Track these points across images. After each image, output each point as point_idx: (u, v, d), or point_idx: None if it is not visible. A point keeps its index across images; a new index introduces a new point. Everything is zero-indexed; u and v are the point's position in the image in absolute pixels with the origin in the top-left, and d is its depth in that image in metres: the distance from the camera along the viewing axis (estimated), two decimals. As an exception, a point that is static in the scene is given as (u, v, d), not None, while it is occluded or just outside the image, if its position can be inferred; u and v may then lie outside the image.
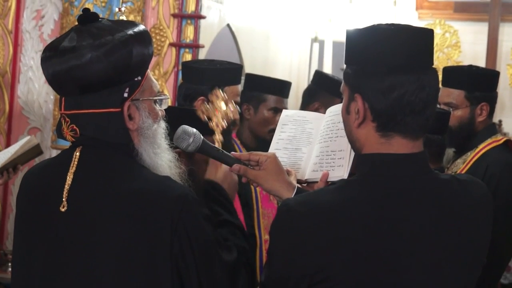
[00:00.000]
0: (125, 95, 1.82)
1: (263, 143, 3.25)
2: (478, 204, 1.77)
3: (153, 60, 4.33)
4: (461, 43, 7.75)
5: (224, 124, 2.20)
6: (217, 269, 1.82)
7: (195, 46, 4.39)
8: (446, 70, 3.43)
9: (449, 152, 3.59)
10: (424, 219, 1.68)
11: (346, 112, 1.78)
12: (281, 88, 3.82)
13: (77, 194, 1.80)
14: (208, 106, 2.20)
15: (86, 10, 1.86)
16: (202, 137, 2.05)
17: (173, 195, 1.77)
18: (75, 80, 1.79)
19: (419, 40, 1.72)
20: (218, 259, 1.83)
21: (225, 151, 2.10)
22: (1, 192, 4.50)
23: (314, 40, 7.23)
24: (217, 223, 1.98)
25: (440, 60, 7.60)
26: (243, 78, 3.85)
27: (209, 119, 2.19)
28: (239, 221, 2.07)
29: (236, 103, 3.08)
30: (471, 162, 3.26)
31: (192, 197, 1.81)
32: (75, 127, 1.82)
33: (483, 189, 1.81)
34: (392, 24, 1.73)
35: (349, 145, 1.92)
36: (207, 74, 3.11)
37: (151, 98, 1.88)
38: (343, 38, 1.80)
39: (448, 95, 3.32)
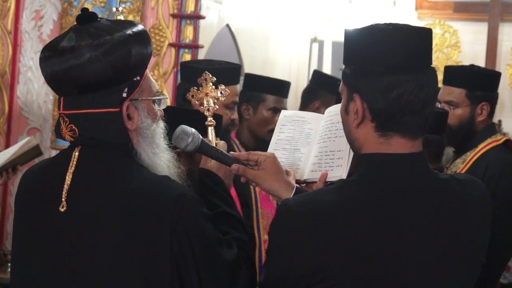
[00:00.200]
0: (124, 95, 1.82)
1: (263, 143, 3.25)
2: (477, 204, 1.77)
3: (153, 60, 4.33)
4: (460, 43, 7.75)
5: (216, 107, 2.18)
6: (218, 268, 1.82)
7: (194, 46, 4.39)
8: (448, 68, 3.44)
9: (449, 152, 3.60)
10: (423, 219, 1.68)
11: (345, 112, 1.78)
12: (280, 88, 3.82)
13: (76, 194, 1.80)
14: (197, 90, 2.19)
15: (84, 10, 1.86)
16: (201, 137, 2.05)
17: (172, 195, 1.77)
18: (73, 80, 1.78)
19: (418, 40, 1.71)
20: (219, 258, 1.82)
21: (224, 151, 2.10)
22: (1, 193, 4.50)
23: (314, 40, 7.23)
24: (215, 215, 1.97)
25: (440, 60, 7.60)
26: (241, 78, 3.85)
27: (200, 103, 2.18)
28: (237, 212, 2.06)
29: (234, 103, 3.09)
30: (471, 162, 3.27)
31: (192, 196, 1.80)
32: (74, 127, 1.82)
33: (482, 189, 1.81)
34: (391, 24, 1.73)
35: (348, 145, 1.92)
36: None
37: (150, 98, 1.88)
38: (342, 38, 1.80)
39: (449, 94, 3.32)
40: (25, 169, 2.01)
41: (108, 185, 1.79)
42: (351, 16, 7.06)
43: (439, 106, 3.34)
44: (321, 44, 7.14)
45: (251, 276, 1.90)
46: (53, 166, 1.91)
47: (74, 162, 1.82)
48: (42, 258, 1.82)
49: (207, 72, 2.21)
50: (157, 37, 4.38)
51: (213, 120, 2.17)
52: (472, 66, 3.42)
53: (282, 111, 2.43)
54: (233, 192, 2.21)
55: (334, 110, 2.19)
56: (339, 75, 1.81)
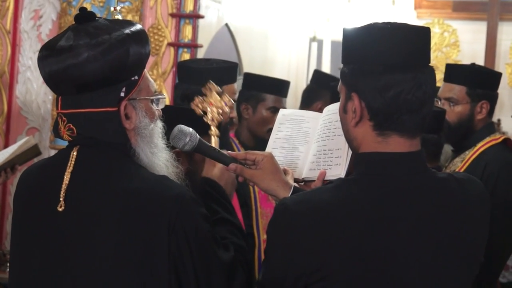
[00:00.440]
0: (122, 94, 1.82)
1: (262, 142, 3.24)
2: (476, 203, 1.77)
3: (151, 60, 4.33)
4: (459, 42, 7.75)
5: (220, 117, 2.19)
6: (215, 268, 1.82)
7: (193, 45, 4.39)
8: (449, 66, 3.45)
9: (448, 151, 3.60)
10: (421, 218, 1.68)
11: (343, 111, 1.78)
12: (279, 87, 3.82)
13: (75, 194, 1.79)
14: (202, 99, 2.19)
15: (83, 9, 1.86)
16: (198, 136, 2.05)
17: (170, 195, 1.77)
18: (71, 79, 1.78)
19: (416, 39, 1.71)
20: (216, 258, 1.83)
21: (221, 151, 2.10)
22: (0, 193, 4.50)
23: (313, 39, 7.23)
24: (214, 222, 1.97)
25: (439, 60, 7.60)
26: (240, 77, 3.85)
27: (204, 113, 2.18)
28: (237, 220, 2.06)
29: (233, 101, 3.09)
30: (470, 161, 3.27)
31: (190, 196, 1.81)
32: (72, 126, 1.82)
33: (480, 188, 1.81)
34: (389, 23, 1.73)
35: (347, 144, 1.92)
36: (205, 74, 3.11)
37: (148, 97, 1.88)
38: (341, 38, 1.80)
39: (450, 90, 3.33)
40: (24, 169, 2.01)
41: (106, 184, 1.79)
42: (350, 16, 7.06)
43: (439, 103, 3.35)
44: (320, 43, 7.13)
45: (247, 280, 1.90)
46: (51, 165, 1.91)
47: (72, 162, 1.82)
48: (40, 258, 1.82)
49: (211, 81, 2.22)
50: (156, 37, 4.37)
51: (216, 130, 2.18)
52: (473, 64, 3.43)
53: (281, 110, 2.43)
54: (235, 201, 2.22)
55: (333, 109, 2.19)
56: (338, 75, 1.81)
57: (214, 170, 2.11)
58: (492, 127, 3.40)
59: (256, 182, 2.06)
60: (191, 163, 2.20)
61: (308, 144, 2.26)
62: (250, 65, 5.90)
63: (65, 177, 1.81)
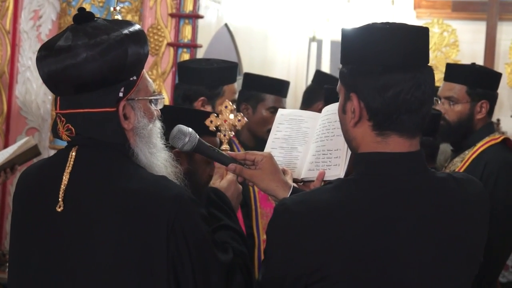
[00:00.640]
0: (120, 94, 1.82)
1: (262, 142, 3.24)
2: (475, 202, 1.77)
3: (151, 60, 4.32)
4: (459, 42, 7.75)
5: (232, 134, 2.22)
6: (213, 268, 1.82)
7: (193, 46, 4.39)
8: (450, 65, 3.46)
9: (447, 150, 3.60)
10: (421, 218, 1.68)
11: (342, 111, 1.78)
12: (279, 87, 3.83)
13: (73, 194, 1.79)
14: (216, 116, 2.22)
15: (81, 10, 1.86)
16: (197, 136, 2.05)
17: (169, 195, 1.77)
18: (70, 80, 1.78)
19: (415, 39, 1.72)
20: (214, 258, 1.83)
21: (221, 151, 2.10)
22: (-1, 193, 4.51)
23: (312, 39, 7.22)
24: (217, 228, 1.98)
25: (438, 59, 7.60)
26: (240, 77, 3.85)
27: (218, 130, 2.21)
28: (240, 227, 2.07)
29: (233, 101, 3.10)
30: (469, 161, 3.27)
31: (188, 196, 1.81)
32: (70, 126, 1.82)
33: (479, 187, 1.81)
34: (387, 23, 1.73)
35: (346, 144, 1.92)
36: (206, 74, 3.12)
37: (146, 97, 1.88)
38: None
39: (450, 89, 3.33)
40: (23, 169, 2.01)
41: (105, 185, 1.79)
42: (349, 15, 7.05)
43: (439, 102, 3.35)
44: (319, 43, 7.13)
45: (246, 284, 1.90)
46: (50, 166, 1.91)
47: (71, 162, 1.82)
48: (39, 258, 1.82)
49: (227, 100, 2.27)
50: (156, 37, 4.37)
51: (228, 146, 2.19)
52: (473, 64, 3.43)
53: (279, 109, 2.43)
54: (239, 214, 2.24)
55: (332, 109, 2.19)
56: (337, 74, 1.82)
57: (222, 182, 2.13)
58: (491, 127, 3.41)
59: (256, 182, 2.07)
60: (191, 163, 2.20)
61: (307, 144, 2.26)
62: (250, 65, 5.89)
63: (64, 178, 1.81)
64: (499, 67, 7.32)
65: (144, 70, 1.89)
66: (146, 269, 1.76)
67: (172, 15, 4.38)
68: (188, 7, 4.38)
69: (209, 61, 3.23)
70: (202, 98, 3.09)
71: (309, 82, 6.74)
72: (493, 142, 3.28)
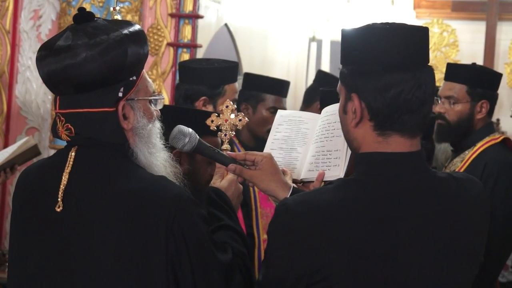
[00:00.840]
0: (120, 94, 1.82)
1: (262, 142, 3.24)
2: (475, 202, 1.77)
3: (151, 60, 4.32)
4: (459, 42, 7.75)
5: (232, 134, 2.22)
6: (212, 268, 1.82)
7: (193, 46, 4.39)
8: (450, 65, 3.46)
9: (448, 150, 3.60)
10: (421, 218, 1.68)
11: (343, 112, 1.78)
12: (279, 87, 3.83)
13: (73, 194, 1.79)
14: (218, 116, 2.22)
15: (81, 9, 1.86)
16: (198, 137, 2.05)
17: (168, 195, 1.77)
18: (70, 79, 1.78)
19: (415, 39, 1.72)
20: (213, 258, 1.83)
21: (221, 151, 2.11)
22: (-1, 192, 4.51)
23: (312, 39, 7.21)
24: (217, 228, 1.98)
25: (438, 59, 7.60)
26: (240, 77, 3.85)
27: (219, 129, 2.21)
28: (240, 227, 2.07)
29: (234, 100, 3.11)
30: (469, 161, 3.27)
31: (188, 197, 1.80)
32: (70, 126, 1.82)
33: (479, 187, 1.81)
34: (387, 23, 1.73)
35: (345, 145, 1.92)
36: (207, 74, 3.12)
37: (146, 98, 1.87)
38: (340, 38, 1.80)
39: (450, 89, 3.33)
40: (23, 169, 2.01)
41: (105, 185, 1.79)
42: (349, 15, 7.05)
43: (439, 101, 3.35)
44: (319, 43, 7.12)
45: (246, 284, 1.90)
46: (50, 166, 1.91)
47: (71, 162, 1.82)
48: (38, 258, 1.82)
49: (228, 100, 2.27)
50: (156, 37, 4.37)
51: (228, 146, 2.20)
52: (474, 64, 3.44)
53: (279, 110, 2.43)
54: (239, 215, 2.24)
55: (331, 110, 2.19)
56: (337, 74, 1.82)
57: (223, 181, 2.13)
58: (491, 127, 3.41)
59: (256, 182, 2.07)
60: (193, 163, 2.20)
61: (307, 145, 2.26)
62: (250, 65, 5.89)
63: (63, 178, 1.81)
64: (498, 67, 7.32)
65: (144, 70, 1.89)
66: (145, 269, 1.75)
67: (172, 15, 4.38)
68: (188, 7, 4.38)
69: (210, 61, 3.23)
70: (203, 97, 3.10)
71: (309, 82, 6.74)
72: (493, 142, 3.29)
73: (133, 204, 1.76)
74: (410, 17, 7.54)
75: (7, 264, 4.04)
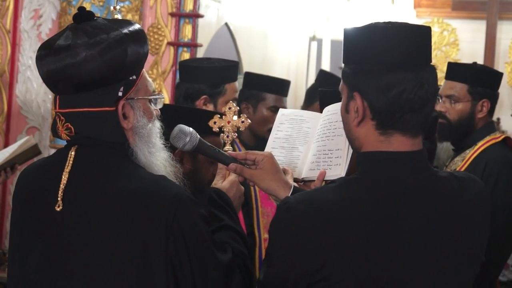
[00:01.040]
0: (120, 94, 1.81)
1: (262, 142, 3.25)
2: (476, 201, 1.77)
3: (151, 59, 4.32)
4: (459, 41, 7.74)
5: (235, 135, 2.23)
6: (212, 268, 1.82)
7: (193, 45, 4.39)
8: (451, 64, 3.46)
9: (449, 149, 3.60)
10: (423, 217, 1.68)
11: (345, 111, 1.78)
12: (280, 87, 3.83)
13: (73, 194, 1.79)
14: (220, 117, 2.22)
15: (81, 9, 1.85)
16: (198, 136, 2.05)
17: (168, 195, 1.77)
18: (69, 79, 1.78)
19: (417, 38, 1.72)
20: (213, 258, 1.83)
21: (222, 151, 2.11)
22: (0, 192, 4.50)
23: (312, 38, 7.21)
24: (218, 228, 1.98)
25: (438, 59, 7.59)
26: (240, 76, 3.86)
27: (221, 131, 2.21)
28: (241, 228, 2.07)
29: (234, 99, 3.11)
30: (470, 160, 3.27)
31: (187, 196, 1.80)
32: (70, 125, 1.82)
33: (480, 187, 1.81)
34: (390, 23, 1.73)
35: (347, 144, 1.92)
36: (208, 73, 3.13)
37: (146, 97, 1.87)
38: (341, 37, 1.80)
39: (451, 88, 3.33)
40: (23, 168, 2.01)
41: (104, 184, 1.78)
42: (349, 15, 7.05)
43: (440, 101, 3.35)
44: (319, 42, 7.12)
45: (245, 283, 1.90)
46: (50, 165, 1.90)
47: (71, 162, 1.82)
48: (38, 258, 1.82)
49: (231, 101, 2.27)
50: (156, 36, 4.37)
51: (230, 147, 2.20)
52: (475, 63, 3.44)
53: (280, 109, 2.43)
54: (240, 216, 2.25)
55: (333, 109, 2.19)
56: (338, 74, 1.82)
57: (224, 182, 2.13)
58: (492, 126, 3.41)
59: (256, 182, 2.07)
60: (195, 163, 2.20)
61: (308, 144, 2.26)
62: (250, 64, 5.89)
63: (63, 177, 1.81)
64: (499, 66, 7.31)
65: (143, 69, 1.89)
66: (145, 268, 1.75)
67: (172, 14, 4.37)
68: (188, 6, 4.38)
69: (210, 60, 3.24)
70: (204, 96, 3.10)
71: (309, 81, 6.75)
72: (494, 141, 3.29)
73: (133, 204, 1.75)
74: (410, 16, 7.53)
75: (7, 263, 4.06)
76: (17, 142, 3.78)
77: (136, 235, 1.75)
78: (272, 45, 6.60)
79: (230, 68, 3.19)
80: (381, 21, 1.76)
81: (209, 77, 3.13)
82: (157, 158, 1.89)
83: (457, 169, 3.26)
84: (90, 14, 1.85)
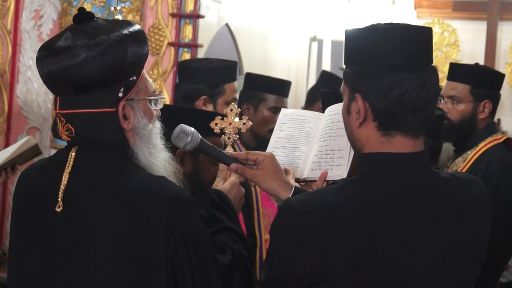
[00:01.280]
0: (120, 94, 1.81)
1: (263, 142, 3.26)
2: (478, 203, 1.77)
3: (152, 59, 4.32)
4: (459, 42, 7.74)
5: (236, 137, 2.23)
6: (211, 269, 1.82)
7: (193, 45, 4.39)
8: (453, 64, 3.46)
9: (450, 149, 3.60)
10: (424, 219, 1.68)
11: (346, 112, 1.77)
12: (281, 87, 3.83)
13: (73, 194, 1.79)
14: (221, 119, 2.22)
15: (81, 10, 1.85)
16: (200, 136, 2.05)
17: (168, 195, 1.77)
18: (70, 80, 1.78)
19: (418, 39, 1.72)
20: (213, 259, 1.83)
21: (223, 151, 2.11)
22: (0, 192, 4.50)
23: (313, 39, 7.21)
24: (218, 229, 1.98)
25: (439, 59, 7.59)
26: (241, 77, 3.86)
27: (223, 132, 2.21)
28: (241, 230, 2.07)
29: (234, 99, 3.12)
30: (472, 161, 3.27)
31: (187, 197, 1.80)
32: (70, 126, 1.82)
33: (482, 188, 1.81)
34: (391, 24, 1.73)
35: (349, 144, 1.92)
36: (207, 73, 3.13)
37: (146, 98, 1.87)
38: (341, 37, 1.80)
39: (453, 89, 3.33)
40: (24, 169, 2.01)
41: (105, 185, 1.78)
42: (350, 15, 7.05)
43: (442, 101, 3.35)
44: (320, 43, 7.12)
45: (245, 285, 1.90)
46: (50, 166, 1.90)
47: (71, 162, 1.82)
48: (38, 258, 1.82)
49: (233, 103, 2.28)
50: (157, 37, 4.37)
51: (232, 149, 2.20)
52: (477, 64, 3.44)
53: (282, 109, 2.44)
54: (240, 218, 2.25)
55: (335, 109, 2.19)
56: (338, 74, 1.82)
57: (225, 184, 2.14)
58: (494, 127, 3.41)
59: (257, 182, 2.06)
60: (196, 163, 2.20)
61: (310, 144, 2.26)
62: (251, 65, 5.89)
63: (64, 178, 1.81)
64: (499, 66, 7.31)
65: (144, 70, 1.89)
66: (145, 269, 1.75)
67: (173, 15, 4.37)
68: (189, 7, 4.38)
69: (209, 60, 3.25)
70: (203, 97, 3.11)
71: (310, 81, 6.75)
72: (495, 143, 3.28)
73: (133, 205, 1.75)
74: (411, 17, 7.53)
75: (7, 263, 4.06)
76: (18, 142, 3.78)
77: (136, 236, 1.75)
78: (272, 45, 6.60)
79: (229, 68, 3.19)
80: (382, 21, 1.76)
81: (208, 78, 3.13)
82: (158, 158, 1.89)
83: (459, 170, 3.26)
84: (90, 15, 1.85)
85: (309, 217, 1.66)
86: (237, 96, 3.32)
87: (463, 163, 3.30)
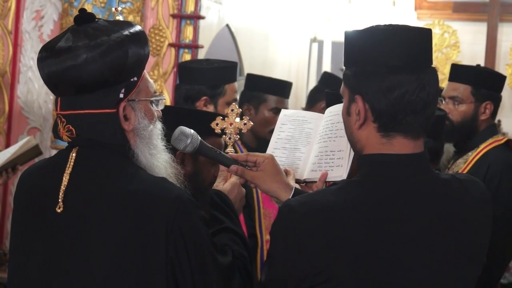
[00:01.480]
0: (121, 95, 1.81)
1: (264, 143, 3.25)
2: (478, 204, 1.77)
3: (152, 60, 4.33)
4: (460, 43, 7.74)
5: (237, 137, 2.23)
6: (211, 270, 1.82)
7: (194, 46, 4.39)
8: (455, 65, 3.47)
9: (450, 150, 3.60)
10: (424, 220, 1.68)
11: (346, 113, 1.77)
12: (281, 88, 3.83)
13: (73, 195, 1.79)
14: (222, 119, 2.22)
15: (82, 11, 1.85)
16: (199, 138, 2.05)
17: (168, 197, 1.77)
18: (70, 81, 1.78)
19: (418, 40, 1.72)
20: (213, 260, 1.83)
21: (223, 152, 2.11)
22: (1, 192, 4.50)
23: (313, 40, 7.22)
24: (218, 230, 1.98)
25: (439, 60, 7.59)
26: (242, 78, 3.86)
27: (223, 133, 2.21)
28: (241, 230, 2.07)
29: (234, 100, 3.12)
30: (473, 162, 3.28)
31: (188, 198, 1.80)
32: (71, 127, 1.82)
33: (482, 189, 1.81)
34: (391, 25, 1.73)
35: (349, 145, 1.92)
36: (207, 74, 3.14)
37: (147, 98, 1.87)
38: (342, 38, 1.80)
39: (454, 89, 3.34)
40: (25, 169, 2.01)
41: (105, 186, 1.78)
42: (350, 16, 7.05)
43: (443, 102, 3.35)
44: (320, 44, 7.12)
45: (245, 286, 1.90)
46: (51, 166, 1.90)
47: (71, 163, 1.82)
48: (38, 259, 1.82)
49: (234, 104, 2.28)
50: (157, 37, 4.37)
51: (232, 149, 2.20)
52: (478, 65, 3.44)
53: (283, 110, 2.44)
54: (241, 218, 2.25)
55: (335, 110, 2.19)
56: (339, 75, 1.83)
57: (226, 184, 2.14)
58: (494, 129, 3.41)
59: (257, 183, 2.07)
60: (196, 164, 2.20)
61: (310, 145, 2.26)
62: (251, 65, 5.89)
63: (64, 179, 1.81)
64: (499, 68, 7.31)
65: (145, 71, 1.89)
66: (145, 270, 1.75)
67: (173, 16, 4.38)
68: (190, 8, 4.38)
69: (209, 61, 3.25)
70: (204, 97, 3.11)
71: (310, 82, 6.75)
72: (496, 144, 3.29)
73: (133, 206, 1.75)
74: (411, 18, 7.53)
75: (7, 264, 4.06)
76: (18, 143, 3.78)
77: (137, 237, 1.75)
78: (273, 46, 6.60)
79: (229, 68, 3.19)
80: (382, 23, 1.76)
81: (208, 78, 3.14)
82: (158, 159, 1.89)
83: (460, 171, 3.26)
84: (91, 16, 1.85)
85: (310, 218, 1.66)
86: (238, 97, 3.32)
87: (464, 164, 3.30)
